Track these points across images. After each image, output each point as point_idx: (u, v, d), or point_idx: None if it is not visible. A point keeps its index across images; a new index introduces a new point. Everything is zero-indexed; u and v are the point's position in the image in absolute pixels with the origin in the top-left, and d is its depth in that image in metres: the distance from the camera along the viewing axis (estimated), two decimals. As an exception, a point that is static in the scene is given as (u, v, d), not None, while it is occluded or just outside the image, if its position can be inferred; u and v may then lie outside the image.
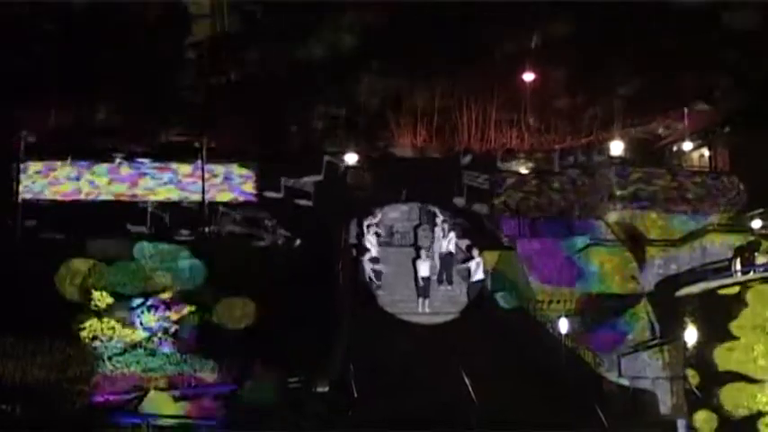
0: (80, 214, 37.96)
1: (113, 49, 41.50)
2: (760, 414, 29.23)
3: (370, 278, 34.32)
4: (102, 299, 31.14)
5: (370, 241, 35.34)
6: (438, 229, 36.04)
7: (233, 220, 38.63)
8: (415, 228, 38.37)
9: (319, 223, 38.23)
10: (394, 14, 43.49)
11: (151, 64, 42.01)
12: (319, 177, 40.04)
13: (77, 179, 38.73)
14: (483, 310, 33.28)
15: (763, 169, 39.02)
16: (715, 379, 29.88)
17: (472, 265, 34.42)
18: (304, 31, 43.48)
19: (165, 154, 39.96)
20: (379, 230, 36.53)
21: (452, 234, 35.63)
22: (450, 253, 35.21)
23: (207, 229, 37.76)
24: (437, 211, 37.48)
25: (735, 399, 29.45)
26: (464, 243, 35.96)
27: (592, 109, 44.01)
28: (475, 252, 34.75)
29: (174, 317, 31.20)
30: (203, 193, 38.34)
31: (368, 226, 35.92)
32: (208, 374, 29.99)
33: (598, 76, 44.74)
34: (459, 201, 40.18)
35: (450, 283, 34.84)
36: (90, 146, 39.64)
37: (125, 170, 39.08)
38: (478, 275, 34.33)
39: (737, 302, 30.25)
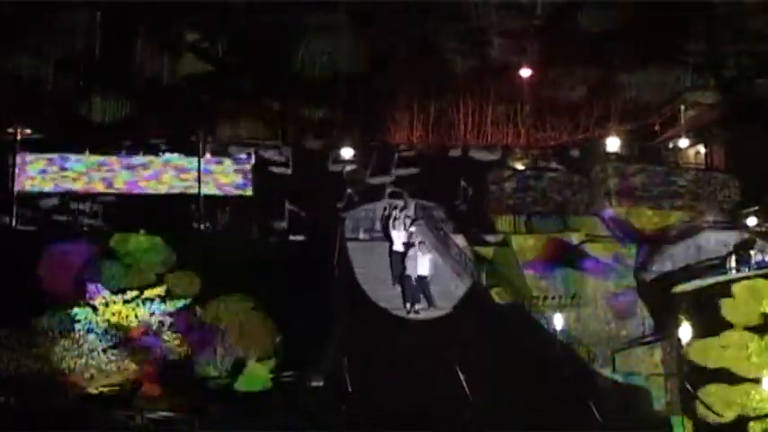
0: (77, 206, 38.12)
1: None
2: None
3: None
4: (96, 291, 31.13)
5: (398, 236, 34.76)
6: (397, 223, 35.31)
7: (227, 214, 38.66)
8: (413, 222, 38.26)
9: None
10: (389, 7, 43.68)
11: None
12: None
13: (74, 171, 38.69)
14: (477, 305, 33.26)
15: (758, 166, 39.17)
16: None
17: (418, 260, 33.36)
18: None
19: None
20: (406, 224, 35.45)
21: (411, 229, 35.10)
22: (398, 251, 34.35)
23: (203, 223, 37.81)
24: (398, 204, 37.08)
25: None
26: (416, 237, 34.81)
27: (589, 105, 44.11)
28: (423, 247, 33.86)
29: (170, 310, 31.16)
30: (199, 186, 38.29)
31: (394, 219, 35.54)
32: (202, 368, 30.00)
33: (595, 71, 44.95)
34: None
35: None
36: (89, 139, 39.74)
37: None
38: (421, 271, 33.34)
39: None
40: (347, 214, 38.22)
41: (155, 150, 38.99)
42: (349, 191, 39.78)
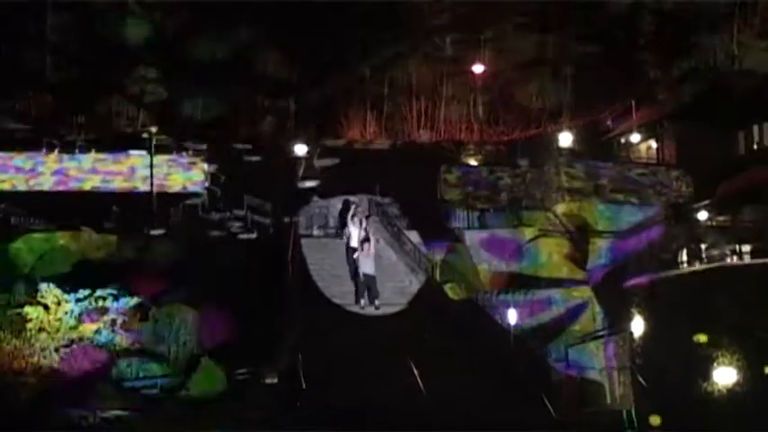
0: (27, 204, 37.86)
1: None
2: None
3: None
4: (48, 290, 30.84)
5: (353, 233, 34.39)
6: (356, 219, 34.93)
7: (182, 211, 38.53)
8: (367, 218, 38.17)
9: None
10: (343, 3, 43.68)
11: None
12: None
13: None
14: (432, 301, 33.31)
15: (709, 161, 39.55)
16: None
17: (362, 257, 33.29)
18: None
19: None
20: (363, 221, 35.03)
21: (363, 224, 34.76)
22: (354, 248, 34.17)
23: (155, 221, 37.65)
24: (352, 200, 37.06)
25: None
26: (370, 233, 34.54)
27: (541, 101, 44.34)
28: (368, 244, 33.64)
29: (122, 309, 30.97)
30: (152, 184, 38.14)
31: (352, 216, 35.10)
32: (155, 366, 29.85)
33: (547, 67, 45.16)
34: None
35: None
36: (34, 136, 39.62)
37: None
38: (366, 269, 33.15)
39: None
40: (301, 211, 38.18)
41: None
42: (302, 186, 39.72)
